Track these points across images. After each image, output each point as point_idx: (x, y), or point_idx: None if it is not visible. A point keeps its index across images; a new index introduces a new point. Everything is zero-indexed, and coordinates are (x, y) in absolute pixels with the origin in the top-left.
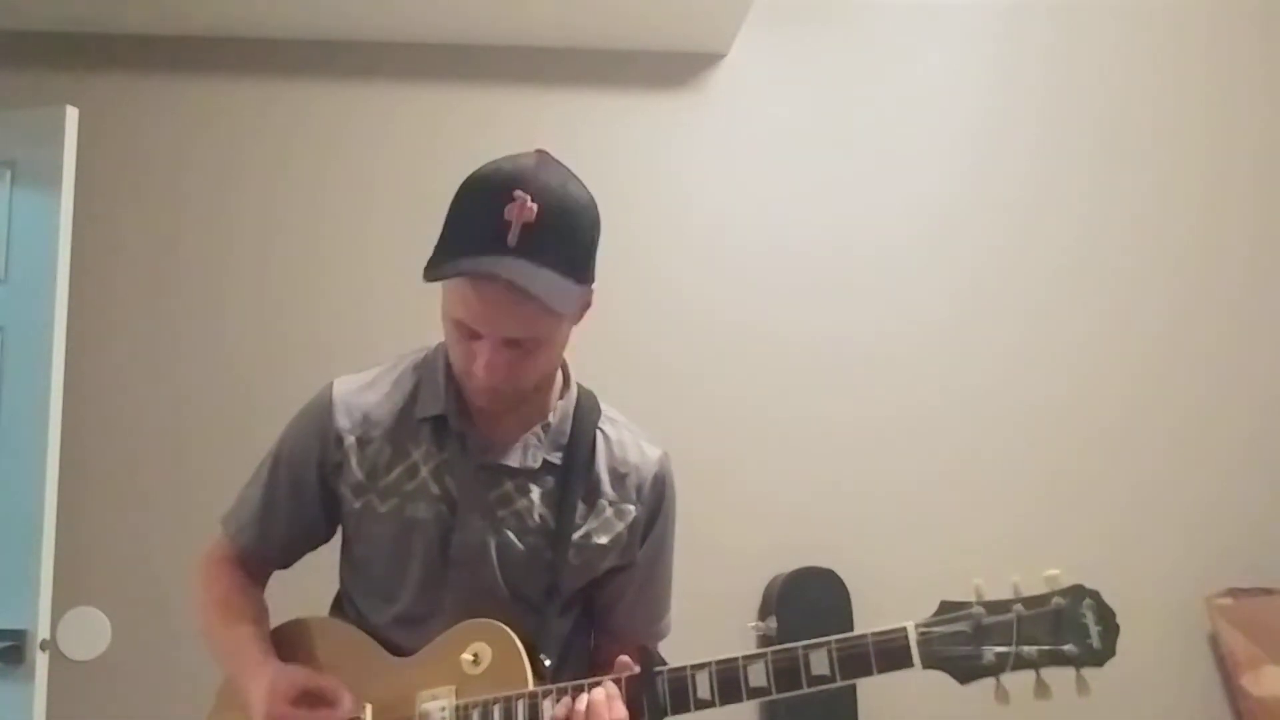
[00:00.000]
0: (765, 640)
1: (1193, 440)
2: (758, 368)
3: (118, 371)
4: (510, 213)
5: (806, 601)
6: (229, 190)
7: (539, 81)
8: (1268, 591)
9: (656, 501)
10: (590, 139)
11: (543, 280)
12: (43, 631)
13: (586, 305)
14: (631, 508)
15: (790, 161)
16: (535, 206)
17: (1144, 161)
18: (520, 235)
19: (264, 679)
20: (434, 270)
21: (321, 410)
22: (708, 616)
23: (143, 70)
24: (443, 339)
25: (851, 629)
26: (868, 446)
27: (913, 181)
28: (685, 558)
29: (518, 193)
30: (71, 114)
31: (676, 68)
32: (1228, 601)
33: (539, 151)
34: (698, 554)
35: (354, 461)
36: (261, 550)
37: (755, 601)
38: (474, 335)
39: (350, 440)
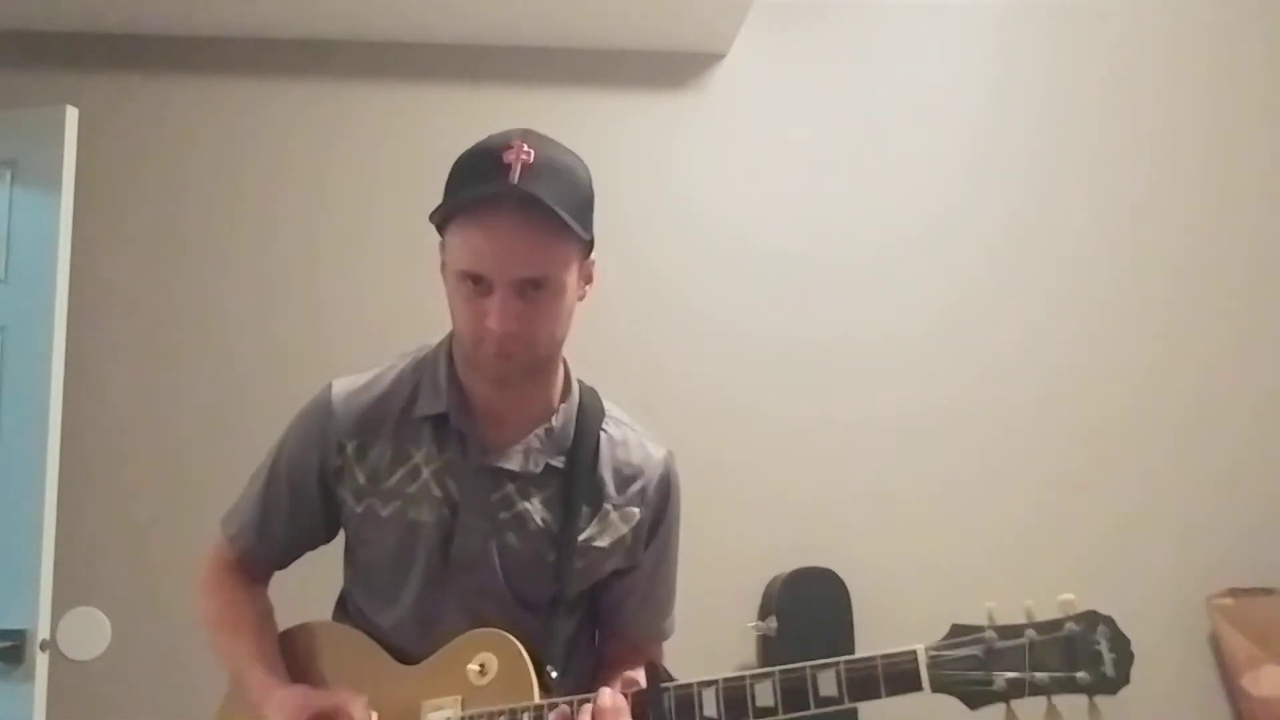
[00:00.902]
0: (765, 640)
1: (1193, 441)
2: (758, 367)
3: (117, 371)
4: (508, 157)
5: (806, 601)
6: (229, 190)
7: (539, 81)
8: (1268, 591)
9: (661, 503)
10: (590, 139)
11: (550, 202)
12: (43, 631)
13: (589, 278)
14: (636, 510)
15: (790, 161)
16: (532, 152)
17: (1144, 164)
18: (521, 173)
19: (273, 702)
20: (441, 211)
21: (321, 414)
22: (708, 617)
23: (143, 70)
24: (440, 339)
25: (851, 629)
26: (868, 447)
27: (914, 181)
28: (686, 558)
29: (514, 142)
30: (71, 114)
31: (676, 68)
32: (1228, 601)
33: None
34: (698, 554)
35: (355, 465)
36: (260, 552)
37: (755, 601)
38: (483, 292)
39: (351, 445)
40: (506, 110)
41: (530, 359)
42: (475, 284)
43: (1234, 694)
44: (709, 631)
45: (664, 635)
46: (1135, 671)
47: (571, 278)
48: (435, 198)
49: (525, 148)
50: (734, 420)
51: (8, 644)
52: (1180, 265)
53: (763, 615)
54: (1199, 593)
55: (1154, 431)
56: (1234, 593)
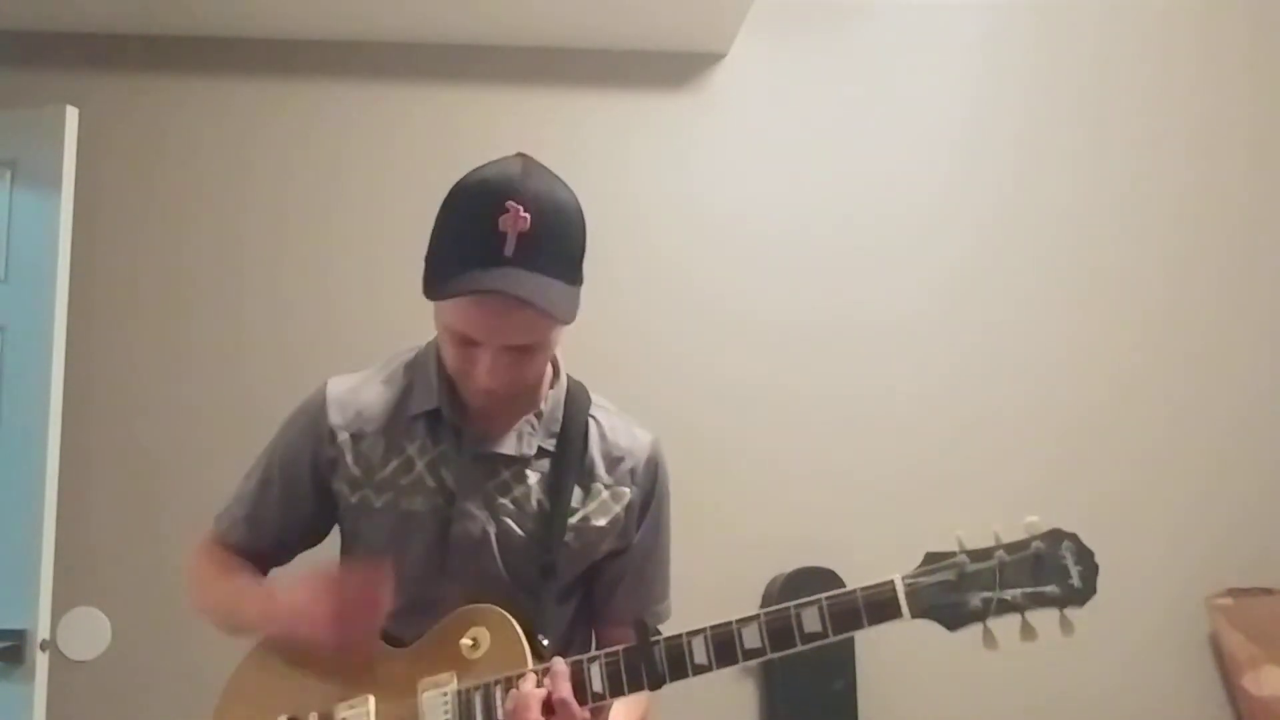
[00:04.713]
0: None
1: (1192, 440)
2: (758, 369)
3: (118, 371)
4: (505, 223)
5: None
6: (229, 190)
7: (540, 81)
8: (1268, 591)
9: (650, 484)
10: (590, 139)
11: (543, 288)
12: (43, 631)
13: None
14: (626, 490)
15: (789, 161)
16: (528, 216)
17: (1131, 157)
18: (517, 245)
19: (288, 592)
20: (436, 289)
21: (315, 409)
22: (708, 616)
23: (143, 70)
24: (431, 339)
25: None
26: (868, 446)
27: (914, 181)
28: (686, 557)
29: (510, 203)
30: (71, 114)
31: (676, 68)
32: (1228, 601)
33: (520, 156)
34: (699, 554)
35: (349, 457)
36: (251, 548)
37: (755, 601)
38: (473, 343)
39: (344, 436)
40: (509, 111)
41: (517, 394)
42: (465, 339)
43: (1234, 694)
44: None
45: (659, 620)
46: (1135, 671)
47: (559, 329)
48: (434, 198)
49: (523, 211)
50: (734, 421)
51: (8, 644)
52: (1175, 259)
53: None
54: (1199, 593)
55: (1154, 431)
56: (1234, 593)
